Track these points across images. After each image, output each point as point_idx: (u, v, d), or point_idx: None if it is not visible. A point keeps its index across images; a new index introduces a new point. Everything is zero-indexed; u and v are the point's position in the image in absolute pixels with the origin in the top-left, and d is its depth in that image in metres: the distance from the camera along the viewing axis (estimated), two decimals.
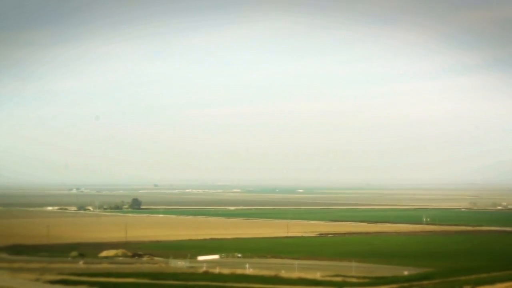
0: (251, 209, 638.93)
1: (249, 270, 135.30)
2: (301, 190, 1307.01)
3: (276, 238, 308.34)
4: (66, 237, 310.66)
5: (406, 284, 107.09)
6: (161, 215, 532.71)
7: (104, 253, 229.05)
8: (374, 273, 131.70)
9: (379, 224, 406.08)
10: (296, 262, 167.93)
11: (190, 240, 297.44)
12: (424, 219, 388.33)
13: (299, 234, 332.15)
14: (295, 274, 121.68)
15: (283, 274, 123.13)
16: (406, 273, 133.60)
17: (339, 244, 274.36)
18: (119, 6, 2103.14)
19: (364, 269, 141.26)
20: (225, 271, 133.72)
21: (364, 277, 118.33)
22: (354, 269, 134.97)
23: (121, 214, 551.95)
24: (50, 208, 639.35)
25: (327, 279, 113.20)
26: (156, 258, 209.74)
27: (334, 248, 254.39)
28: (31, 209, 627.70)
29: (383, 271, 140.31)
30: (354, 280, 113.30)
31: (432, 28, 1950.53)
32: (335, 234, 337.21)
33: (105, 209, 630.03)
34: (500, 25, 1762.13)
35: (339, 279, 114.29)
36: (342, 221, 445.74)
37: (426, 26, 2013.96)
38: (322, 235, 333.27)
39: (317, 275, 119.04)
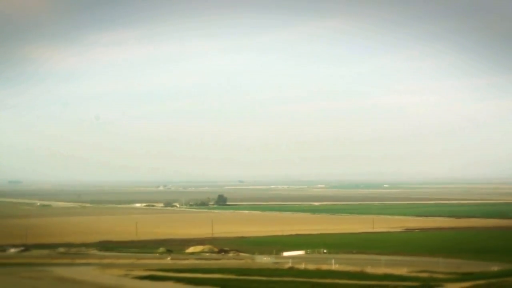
0: (336, 204, 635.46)
1: (334, 266, 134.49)
2: (386, 185, 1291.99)
3: (362, 234, 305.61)
4: (154, 233, 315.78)
5: (494, 280, 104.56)
6: (246, 211, 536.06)
7: (190, 249, 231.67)
8: (462, 268, 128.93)
9: (467, 219, 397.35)
10: (382, 257, 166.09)
11: (275, 236, 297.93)
12: None
13: (385, 230, 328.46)
14: (381, 270, 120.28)
15: (369, 269, 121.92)
16: (494, 269, 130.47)
17: (426, 240, 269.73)
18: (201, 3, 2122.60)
19: (451, 264, 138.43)
20: (311, 266, 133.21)
21: (451, 273, 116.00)
22: (441, 265, 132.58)
23: (207, 210, 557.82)
24: (138, 205, 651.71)
25: (414, 275, 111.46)
26: (241, 254, 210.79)
27: (420, 243, 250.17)
28: (120, 206, 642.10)
29: (471, 267, 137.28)
30: (441, 276, 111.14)
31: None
32: (421, 229, 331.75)
33: (191, 205, 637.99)
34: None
35: (425, 275, 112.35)
36: (429, 216, 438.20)
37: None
38: (408, 230, 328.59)
39: (403, 271, 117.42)
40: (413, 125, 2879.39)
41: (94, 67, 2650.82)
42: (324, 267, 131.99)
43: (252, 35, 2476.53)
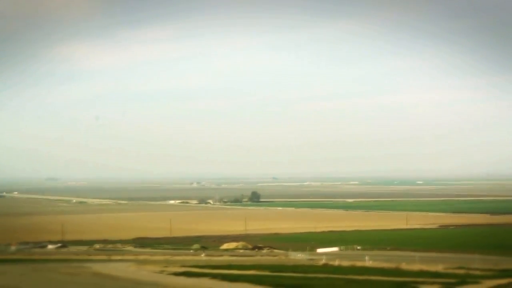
0: (369, 201, 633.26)
1: (369, 263, 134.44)
2: (420, 182, 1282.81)
3: (396, 230, 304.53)
4: (188, 230, 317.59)
5: None
6: (280, 208, 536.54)
7: (225, 246, 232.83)
8: (499, 265, 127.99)
9: (502, 216, 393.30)
10: (417, 254, 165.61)
11: (309, 232, 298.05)
12: None
13: (419, 226, 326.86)
14: (416, 267, 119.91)
15: (404, 266, 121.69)
16: None
17: (461, 236, 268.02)
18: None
19: (488, 261, 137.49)
20: (345, 263, 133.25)
21: (488, 270, 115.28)
22: (477, 262, 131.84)
23: (241, 207, 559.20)
24: (172, 201, 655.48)
25: (450, 272, 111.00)
26: (276, 251, 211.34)
27: (456, 240, 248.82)
28: (154, 202, 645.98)
29: (509, 263, 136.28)
30: (477, 272, 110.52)
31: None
32: (456, 226, 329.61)
33: (225, 202, 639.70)
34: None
35: (462, 271, 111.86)
36: (464, 212, 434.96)
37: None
38: (443, 227, 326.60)
39: (439, 268, 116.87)
40: (446, 123, 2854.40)
41: (127, 64, 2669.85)
42: (358, 263, 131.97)
43: (282, 34, 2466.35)
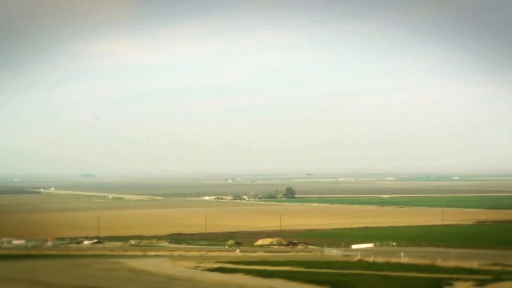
0: (405, 197, 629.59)
1: (404, 259, 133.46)
2: (456, 177, 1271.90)
3: (431, 226, 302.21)
4: (223, 226, 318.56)
5: None
6: (314, 204, 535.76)
7: (259, 242, 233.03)
8: None
9: None
10: (452, 250, 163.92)
11: (344, 228, 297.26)
12: None
13: (455, 222, 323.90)
14: (451, 263, 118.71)
15: (439, 262, 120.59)
16: None
17: (498, 232, 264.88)
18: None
19: None
20: (380, 259, 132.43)
21: None
22: None
23: (276, 203, 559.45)
24: (207, 197, 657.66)
25: (485, 268, 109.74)
26: (310, 247, 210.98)
27: (492, 236, 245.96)
28: (189, 198, 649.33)
29: None
30: None
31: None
32: (493, 222, 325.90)
33: (259, 198, 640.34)
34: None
35: (497, 268, 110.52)
36: (501, 208, 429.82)
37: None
38: (479, 223, 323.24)
39: (475, 264, 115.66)
40: (484, 118, 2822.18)
41: (167, 61, 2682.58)
42: (394, 260, 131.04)
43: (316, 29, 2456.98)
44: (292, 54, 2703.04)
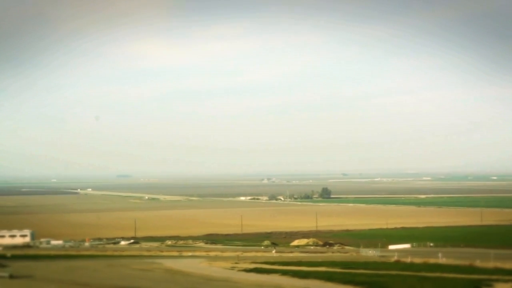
0: (442, 197, 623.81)
1: (442, 260, 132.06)
2: (494, 177, 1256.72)
3: (469, 227, 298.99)
4: (258, 226, 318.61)
5: None
6: (350, 204, 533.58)
7: (295, 242, 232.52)
8: None
9: None
10: (491, 251, 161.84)
11: (380, 229, 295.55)
12: None
13: (494, 223, 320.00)
14: (491, 264, 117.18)
15: (478, 263, 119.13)
16: None
17: None
18: None
19: None
20: (417, 260, 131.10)
21: None
22: None
23: (311, 203, 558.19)
24: (242, 198, 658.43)
25: None
26: (346, 247, 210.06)
27: None
28: (225, 199, 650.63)
29: None
30: None
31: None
32: None
33: (295, 198, 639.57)
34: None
35: None
36: None
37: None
38: None
39: None
40: None
41: (196, 61, 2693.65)
42: (431, 260, 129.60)
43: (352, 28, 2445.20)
44: (323, 54, 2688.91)
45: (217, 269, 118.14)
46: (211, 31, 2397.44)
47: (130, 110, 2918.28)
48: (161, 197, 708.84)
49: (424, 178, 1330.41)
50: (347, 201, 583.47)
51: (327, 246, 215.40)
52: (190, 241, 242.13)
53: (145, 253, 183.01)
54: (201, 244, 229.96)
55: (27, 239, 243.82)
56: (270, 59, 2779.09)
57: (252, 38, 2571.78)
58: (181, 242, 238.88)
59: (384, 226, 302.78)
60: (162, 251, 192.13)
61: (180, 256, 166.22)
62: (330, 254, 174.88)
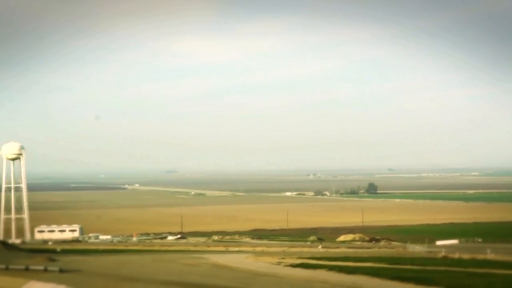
0: (491, 192, 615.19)
1: (490, 255, 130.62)
2: None
3: None
4: (304, 221, 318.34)
5: None
6: (397, 200, 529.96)
7: (341, 238, 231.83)
8: None
9: None
10: None
11: (427, 224, 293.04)
12: None
13: None
14: None
15: None
16: None
17: None
18: None
19: None
20: (465, 256, 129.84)
21: None
22: None
23: (357, 199, 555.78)
24: (288, 193, 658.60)
25: None
26: (393, 243, 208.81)
27: None
28: (271, 194, 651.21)
29: None
30: None
31: None
32: None
33: (341, 194, 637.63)
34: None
35: None
36: None
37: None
38: None
39: None
40: None
41: (243, 57, 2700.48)
42: (480, 256, 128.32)
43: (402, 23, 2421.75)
44: (365, 50, 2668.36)
45: (263, 264, 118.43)
46: (255, 27, 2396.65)
47: (175, 106, 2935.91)
48: (208, 192, 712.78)
49: (472, 173, 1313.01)
50: (394, 196, 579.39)
51: (374, 242, 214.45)
52: (236, 236, 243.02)
53: (192, 248, 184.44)
54: (247, 239, 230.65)
55: (76, 234, 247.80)
56: (312, 55, 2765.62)
57: (295, 34, 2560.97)
58: (227, 237, 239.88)
59: (431, 222, 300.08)
60: (208, 246, 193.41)
61: (227, 251, 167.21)
62: (376, 249, 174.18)
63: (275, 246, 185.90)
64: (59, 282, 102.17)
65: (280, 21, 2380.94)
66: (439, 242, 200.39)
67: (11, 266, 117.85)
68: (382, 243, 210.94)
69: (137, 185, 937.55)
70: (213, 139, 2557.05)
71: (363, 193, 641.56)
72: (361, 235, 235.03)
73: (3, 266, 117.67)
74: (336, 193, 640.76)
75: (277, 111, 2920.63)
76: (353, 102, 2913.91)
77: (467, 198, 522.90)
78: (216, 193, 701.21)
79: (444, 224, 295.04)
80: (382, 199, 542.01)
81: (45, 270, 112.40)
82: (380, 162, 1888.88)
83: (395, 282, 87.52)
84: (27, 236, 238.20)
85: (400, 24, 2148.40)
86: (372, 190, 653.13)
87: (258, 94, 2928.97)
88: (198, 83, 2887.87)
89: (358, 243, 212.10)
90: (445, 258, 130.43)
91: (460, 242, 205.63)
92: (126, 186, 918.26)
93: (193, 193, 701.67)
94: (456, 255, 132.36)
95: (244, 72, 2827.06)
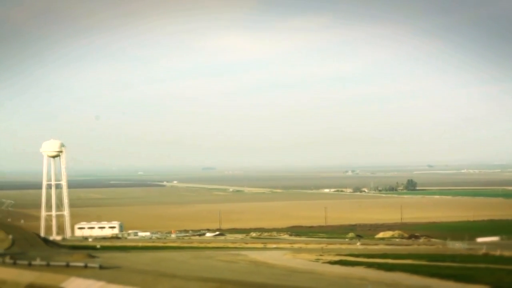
0: None
1: None
2: None
3: None
4: (343, 218, 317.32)
5: None
6: (436, 196, 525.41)
7: (380, 234, 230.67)
8: None
9: None
10: None
11: (467, 221, 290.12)
12: None
13: None
14: None
15: None
16: None
17: None
18: None
19: None
20: (507, 253, 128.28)
21: None
22: None
23: (396, 195, 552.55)
24: (326, 190, 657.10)
25: None
26: (433, 240, 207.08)
27: None
28: (309, 191, 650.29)
29: None
30: None
31: None
32: None
33: (380, 190, 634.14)
34: None
35: None
36: None
37: None
38: None
39: None
40: None
41: (282, 53, 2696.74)
42: None
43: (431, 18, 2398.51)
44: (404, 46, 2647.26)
45: (301, 261, 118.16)
46: (295, 22, 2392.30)
47: (213, 102, 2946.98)
48: (245, 189, 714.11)
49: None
50: (433, 193, 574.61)
51: (413, 239, 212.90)
52: (274, 233, 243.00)
53: (230, 245, 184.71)
54: (285, 236, 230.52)
55: (116, 231, 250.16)
56: (353, 51, 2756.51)
57: (337, 30, 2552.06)
58: (265, 234, 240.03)
59: (471, 219, 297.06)
60: (246, 243, 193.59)
61: (265, 248, 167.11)
62: (416, 246, 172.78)
63: (313, 243, 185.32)
64: (99, 278, 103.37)
65: (322, 17, 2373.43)
66: (480, 239, 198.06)
67: (52, 263, 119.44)
68: (422, 240, 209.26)
69: (176, 182, 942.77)
70: (251, 136, 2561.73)
71: (402, 189, 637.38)
72: (400, 232, 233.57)
73: (44, 263, 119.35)
74: (374, 189, 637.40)
75: (316, 107, 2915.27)
76: (390, 98, 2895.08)
77: (507, 195, 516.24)
78: (254, 190, 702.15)
79: (484, 220, 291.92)
80: (421, 196, 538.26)
81: (85, 266, 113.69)
82: (420, 158, 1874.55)
83: (435, 279, 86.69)
84: (68, 233, 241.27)
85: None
86: (411, 186, 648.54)
87: (296, 90, 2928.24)
88: (237, 79, 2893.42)
89: (397, 240, 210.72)
90: (486, 255, 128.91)
91: (501, 239, 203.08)
92: (165, 183, 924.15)
93: (231, 190, 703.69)
94: (498, 252, 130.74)
95: (284, 67, 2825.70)
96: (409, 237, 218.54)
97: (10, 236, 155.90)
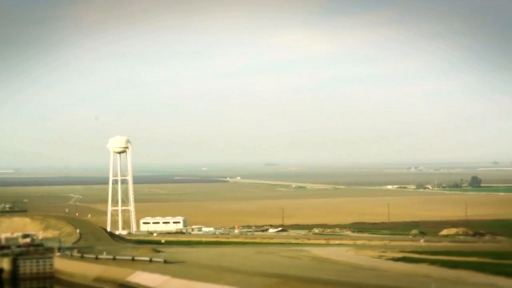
0: None
1: None
2: None
3: None
4: (406, 215, 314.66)
5: None
6: (501, 193, 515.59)
7: (444, 232, 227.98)
8: None
9: None
10: None
11: None
12: None
13: None
14: None
15: None
16: None
17: None
18: None
19: None
20: None
21: None
22: None
23: (460, 192, 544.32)
24: (389, 186, 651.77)
25: None
26: (498, 237, 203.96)
27: None
28: (371, 187, 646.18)
29: None
30: None
31: None
32: None
33: (443, 187, 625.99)
34: None
35: None
36: None
37: None
38: None
39: None
40: None
41: (344, 49, 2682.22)
42: None
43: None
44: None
45: (364, 258, 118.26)
46: (356, 19, 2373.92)
47: (276, 99, 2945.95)
48: (308, 185, 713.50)
49: None
50: (498, 190, 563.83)
51: (478, 236, 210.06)
52: (337, 229, 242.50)
53: (293, 241, 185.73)
54: (348, 233, 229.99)
55: (180, 226, 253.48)
56: (418, 47, 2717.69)
57: (397, 26, 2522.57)
58: (328, 230, 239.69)
59: None
60: (309, 239, 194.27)
61: (327, 244, 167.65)
62: (480, 244, 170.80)
63: (376, 240, 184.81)
64: (163, 272, 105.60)
65: (383, 13, 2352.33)
66: None
67: (118, 257, 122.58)
68: (487, 237, 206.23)
69: (239, 178, 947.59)
70: (314, 132, 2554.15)
71: (466, 186, 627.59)
72: (464, 229, 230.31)
73: (110, 257, 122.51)
74: (438, 186, 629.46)
75: (379, 103, 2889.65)
76: (457, 95, 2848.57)
77: None
78: (317, 186, 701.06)
79: None
80: (485, 193, 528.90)
81: (150, 260, 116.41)
82: (485, 154, 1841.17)
83: (500, 277, 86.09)
84: (133, 228, 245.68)
85: None
86: (475, 183, 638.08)
87: (360, 85, 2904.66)
88: (298, 76, 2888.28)
89: (462, 237, 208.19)
90: None
91: None
92: (228, 178, 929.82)
93: (294, 186, 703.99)
94: None
95: (346, 64, 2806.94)
96: (474, 235, 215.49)
97: (78, 231, 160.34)
